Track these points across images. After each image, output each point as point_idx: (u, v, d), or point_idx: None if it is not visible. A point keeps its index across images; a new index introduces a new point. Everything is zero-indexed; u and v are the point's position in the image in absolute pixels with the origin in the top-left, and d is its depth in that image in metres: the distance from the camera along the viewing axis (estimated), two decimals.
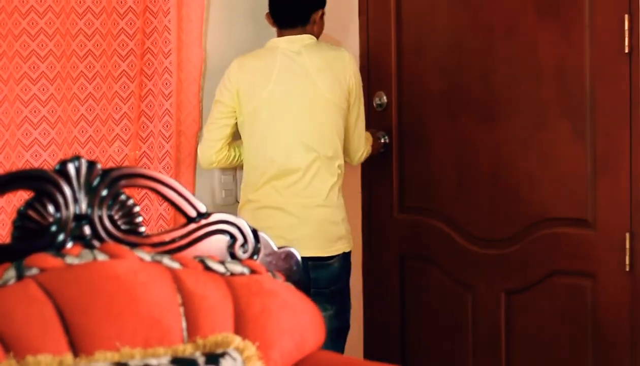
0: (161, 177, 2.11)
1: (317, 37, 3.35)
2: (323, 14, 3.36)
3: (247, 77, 3.25)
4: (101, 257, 1.96)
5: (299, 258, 2.30)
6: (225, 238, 2.18)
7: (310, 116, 3.23)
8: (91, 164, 2.00)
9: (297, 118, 3.22)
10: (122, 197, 2.05)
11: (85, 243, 1.99)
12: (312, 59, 3.24)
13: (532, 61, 3.27)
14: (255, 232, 2.22)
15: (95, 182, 2.00)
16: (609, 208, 3.11)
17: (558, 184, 3.22)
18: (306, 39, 3.28)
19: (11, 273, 1.87)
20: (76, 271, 1.92)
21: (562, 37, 3.18)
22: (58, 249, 1.95)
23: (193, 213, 2.14)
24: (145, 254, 2.03)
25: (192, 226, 2.15)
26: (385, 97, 3.67)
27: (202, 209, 2.15)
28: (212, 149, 3.31)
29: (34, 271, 1.89)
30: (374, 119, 3.64)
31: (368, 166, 3.67)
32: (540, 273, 3.28)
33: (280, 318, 2.08)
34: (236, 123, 3.30)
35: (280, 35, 3.31)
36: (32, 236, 1.94)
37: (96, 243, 2.00)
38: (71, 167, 1.98)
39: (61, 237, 1.96)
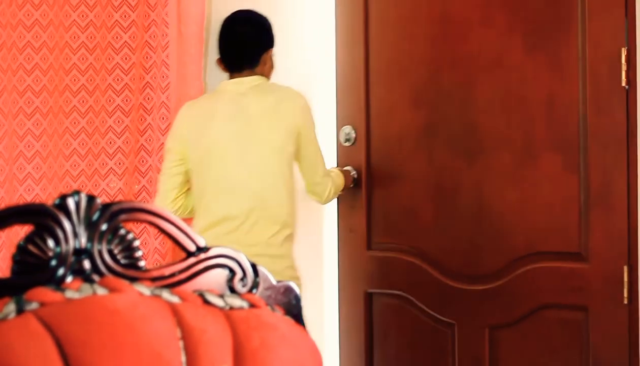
0: (161, 211, 2.11)
1: (268, 76, 3.29)
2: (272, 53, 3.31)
3: (192, 122, 3.20)
4: (101, 291, 1.96)
5: (298, 292, 2.30)
6: (225, 272, 2.18)
7: (251, 161, 3.16)
8: (91, 199, 2.00)
9: (237, 163, 3.16)
10: (122, 231, 2.04)
11: (85, 277, 1.98)
12: (258, 101, 3.18)
13: (518, 94, 3.25)
14: (254, 266, 2.22)
15: (95, 216, 2.00)
16: (604, 240, 3.11)
17: (547, 217, 3.21)
18: (255, 80, 3.23)
19: (11, 307, 1.86)
20: (76, 305, 1.91)
21: (552, 71, 3.18)
22: (58, 284, 1.95)
23: (192, 247, 2.14)
24: (144, 289, 2.02)
25: (192, 260, 2.14)
26: (353, 132, 3.59)
27: (202, 243, 2.15)
28: (166, 200, 3.22)
29: (34, 305, 1.88)
30: (341, 155, 3.56)
31: (338, 202, 3.63)
32: (527, 307, 3.25)
33: (280, 351, 2.07)
34: (187, 171, 3.24)
35: (231, 78, 3.27)
36: (32, 270, 1.94)
37: (96, 277, 2.00)
38: (71, 202, 1.97)
39: (61, 271, 1.95)
